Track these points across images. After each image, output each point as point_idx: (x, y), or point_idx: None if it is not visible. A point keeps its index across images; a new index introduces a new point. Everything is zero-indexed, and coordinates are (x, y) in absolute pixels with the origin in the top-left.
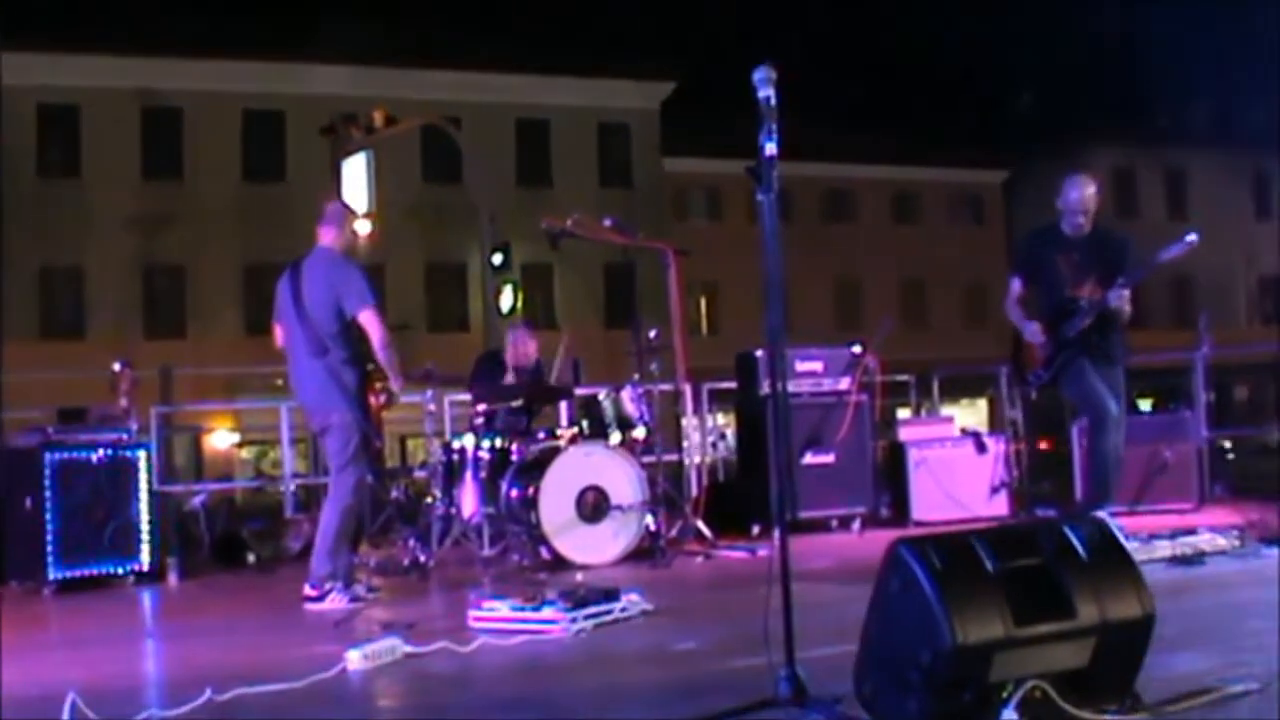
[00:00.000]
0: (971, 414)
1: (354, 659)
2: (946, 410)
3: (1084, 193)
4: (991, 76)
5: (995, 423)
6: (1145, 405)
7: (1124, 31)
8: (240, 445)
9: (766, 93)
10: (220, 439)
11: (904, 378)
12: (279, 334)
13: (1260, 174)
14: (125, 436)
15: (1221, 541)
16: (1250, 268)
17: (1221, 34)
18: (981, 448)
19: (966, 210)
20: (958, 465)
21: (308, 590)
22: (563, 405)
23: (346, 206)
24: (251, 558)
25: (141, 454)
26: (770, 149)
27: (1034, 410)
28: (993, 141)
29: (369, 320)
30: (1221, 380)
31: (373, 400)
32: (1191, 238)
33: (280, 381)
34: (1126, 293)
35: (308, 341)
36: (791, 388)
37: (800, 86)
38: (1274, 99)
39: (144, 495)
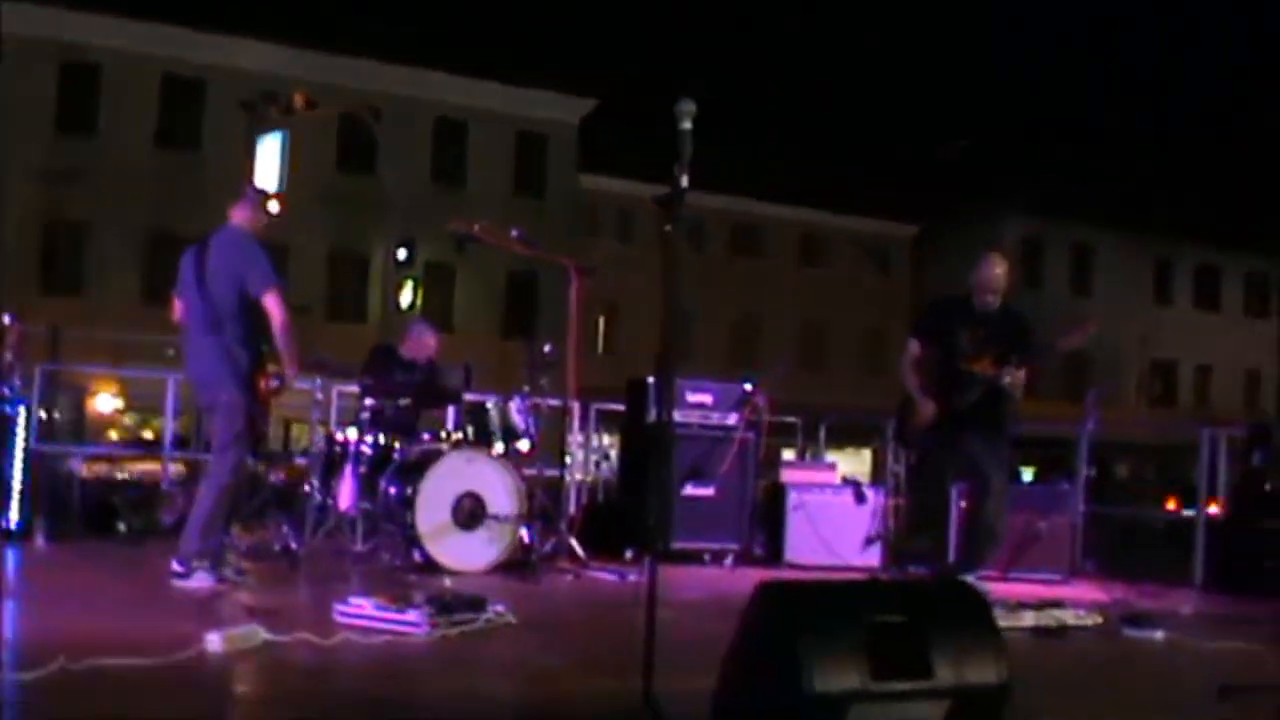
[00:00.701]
0: (856, 462)
1: (213, 641)
2: (831, 456)
3: (995, 272)
4: (914, 132)
5: (878, 474)
6: (1027, 474)
7: (1049, 105)
8: (123, 412)
9: (686, 125)
10: (104, 403)
11: (792, 419)
12: (178, 308)
13: (1163, 261)
14: (6, 392)
15: (1085, 617)
16: (1144, 350)
17: (1139, 123)
18: (861, 498)
19: (874, 260)
20: (835, 512)
21: (175, 567)
22: (450, 409)
23: (263, 192)
24: (122, 526)
25: (21, 410)
26: (683, 180)
27: (917, 467)
28: (907, 196)
29: (272, 303)
30: (1104, 456)
31: (263, 384)
32: (1091, 329)
33: (171, 353)
34: (1021, 374)
35: (205, 318)
36: (679, 418)
37: (720, 118)
38: (1180, 192)
39: (19, 453)
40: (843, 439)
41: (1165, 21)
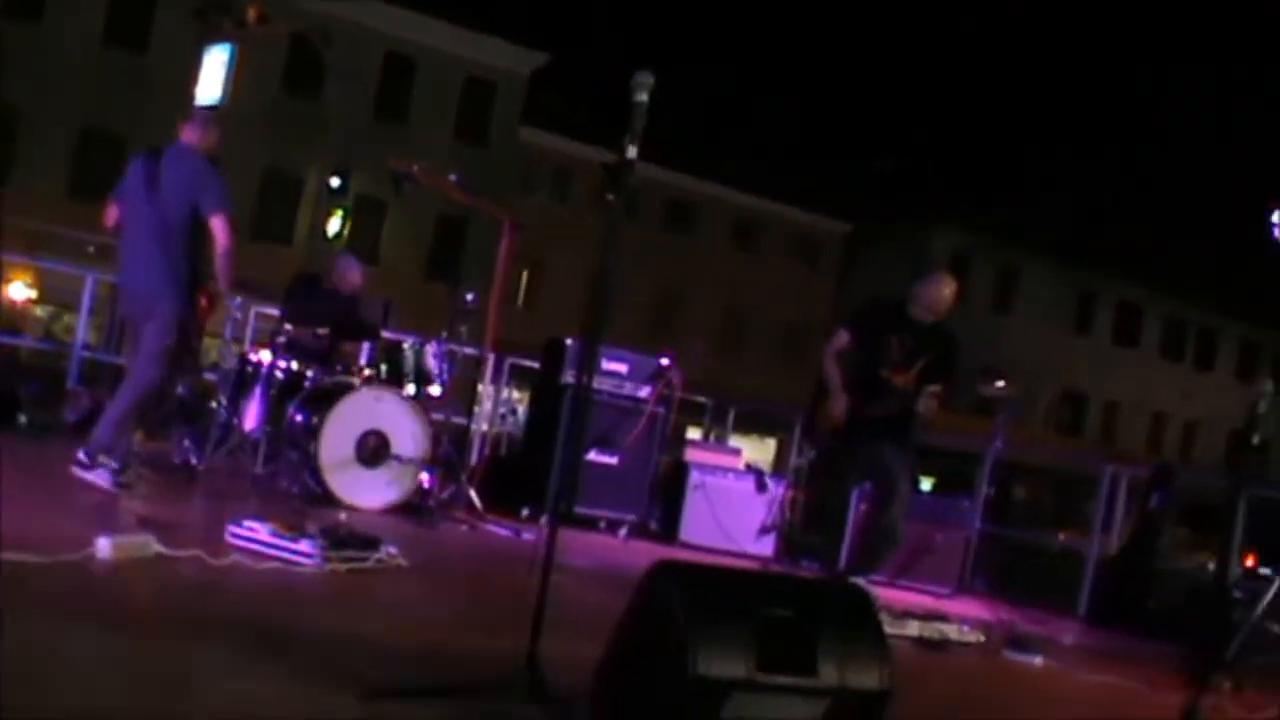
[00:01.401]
0: (760, 451)
1: (103, 547)
2: (737, 441)
3: (943, 293)
4: (860, 131)
5: (780, 466)
6: (927, 484)
7: (994, 126)
8: (36, 303)
9: (641, 98)
10: (18, 291)
11: (703, 400)
12: (112, 213)
13: (1086, 292)
14: None
15: (969, 633)
16: (1058, 378)
17: (1081, 156)
18: (761, 486)
19: (805, 252)
20: (735, 497)
21: (79, 456)
22: (366, 345)
23: (211, 113)
24: (23, 419)
25: None
26: (632, 152)
27: (819, 463)
28: (843, 195)
29: (220, 225)
30: (1005, 476)
31: (202, 301)
32: (1000, 384)
33: (92, 250)
34: (935, 403)
35: (152, 227)
36: (594, 384)
37: (668, 89)
38: (1111, 227)
39: None
40: (750, 426)
41: (1120, 61)
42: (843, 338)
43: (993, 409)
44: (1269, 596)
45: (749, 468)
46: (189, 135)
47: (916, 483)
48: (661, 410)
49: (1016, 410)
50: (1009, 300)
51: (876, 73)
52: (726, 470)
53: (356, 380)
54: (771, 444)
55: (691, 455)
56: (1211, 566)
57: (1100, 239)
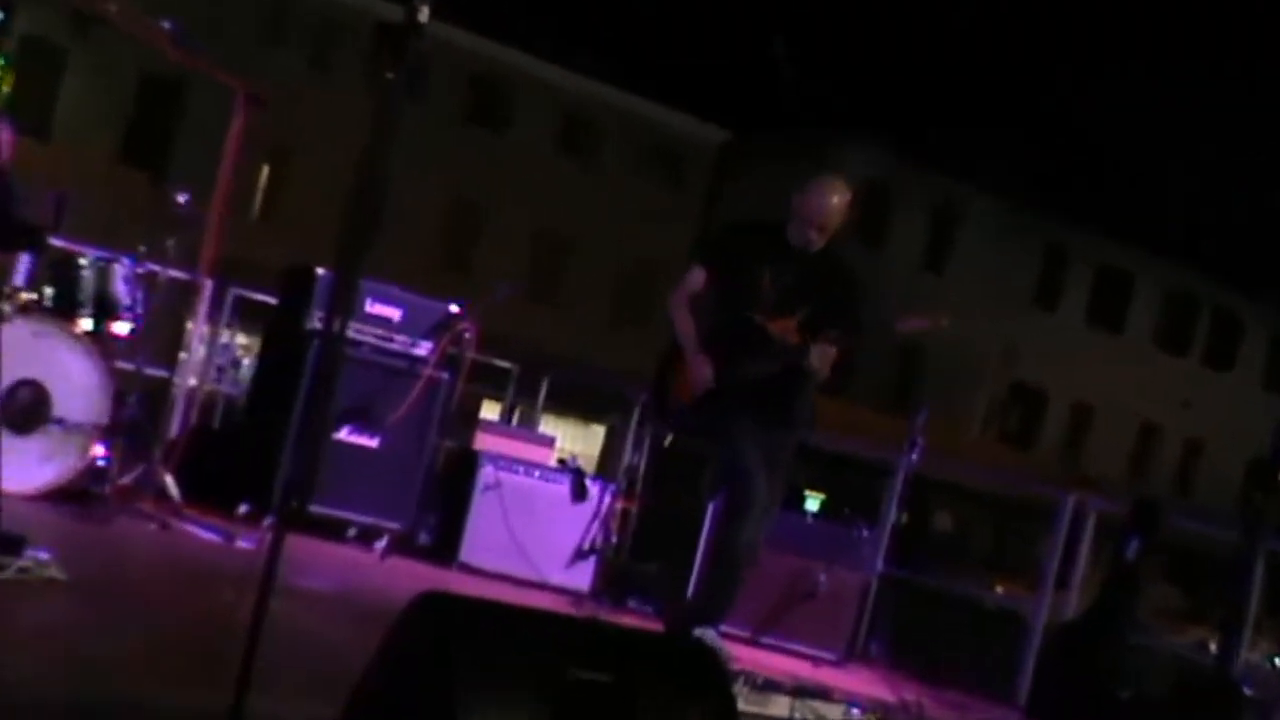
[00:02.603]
0: (583, 441)
1: None
2: (550, 425)
3: (830, 202)
4: (749, 17)
5: (608, 463)
6: (812, 503)
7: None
8: None
9: None
10: None
11: (506, 365)
12: None
13: (1054, 248)
14: None
15: (859, 718)
16: (1005, 365)
17: (1053, 53)
18: (580, 491)
19: (662, 166)
20: (542, 505)
21: None
22: (25, 255)
23: None
24: None
25: None
26: (423, 15)
27: (663, 461)
28: (722, 89)
29: None
30: (924, 498)
31: None
32: (943, 320)
33: None
34: (833, 353)
35: None
36: (352, 333)
37: None
38: (1090, 160)
39: None
40: (570, 405)
41: None
42: (697, 277)
43: (911, 405)
44: None
45: (564, 464)
46: None
47: (799, 497)
48: (445, 376)
49: (938, 409)
50: (944, 252)
51: None
52: (533, 466)
53: (6, 306)
54: (599, 432)
55: (485, 441)
56: (1212, 646)
57: (1078, 175)
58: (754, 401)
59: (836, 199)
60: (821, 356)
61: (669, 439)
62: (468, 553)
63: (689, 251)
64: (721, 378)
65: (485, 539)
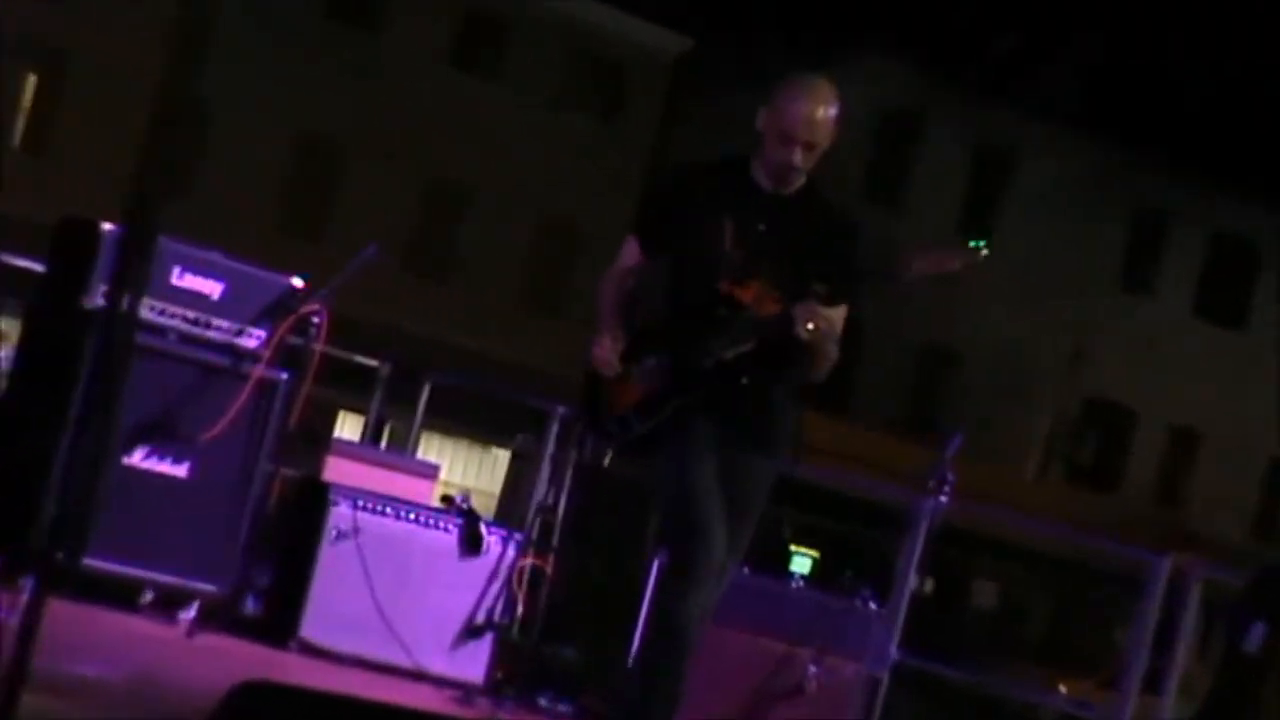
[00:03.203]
0: (479, 471)
1: None
2: (433, 448)
3: (813, 111)
4: None
5: (513, 504)
6: (801, 563)
7: None
8: None
9: None
10: None
11: (371, 362)
12: None
13: (1147, 212)
14: None
15: None
16: (1076, 374)
17: None
18: (474, 544)
19: (597, 83)
20: (419, 561)
21: None
22: None
23: None
24: None
25: None
26: None
27: (592, 499)
28: None
29: None
30: (957, 560)
31: None
32: (974, 257)
33: None
34: (835, 315)
35: None
36: (152, 314)
37: None
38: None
39: None
40: (463, 420)
41: None
42: (630, 251)
43: (939, 428)
44: None
45: (452, 503)
46: None
47: (782, 555)
48: (285, 376)
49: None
50: (988, 215)
51: None
52: (407, 506)
53: None
54: (501, 459)
55: (339, 471)
56: None
57: (1185, 106)
58: (717, 409)
59: (823, 110)
60: (811, 316)
61: (606, 460)
62: (311, 627)
63: (636, 212)
64: (675, 376)
65: (337, 608)
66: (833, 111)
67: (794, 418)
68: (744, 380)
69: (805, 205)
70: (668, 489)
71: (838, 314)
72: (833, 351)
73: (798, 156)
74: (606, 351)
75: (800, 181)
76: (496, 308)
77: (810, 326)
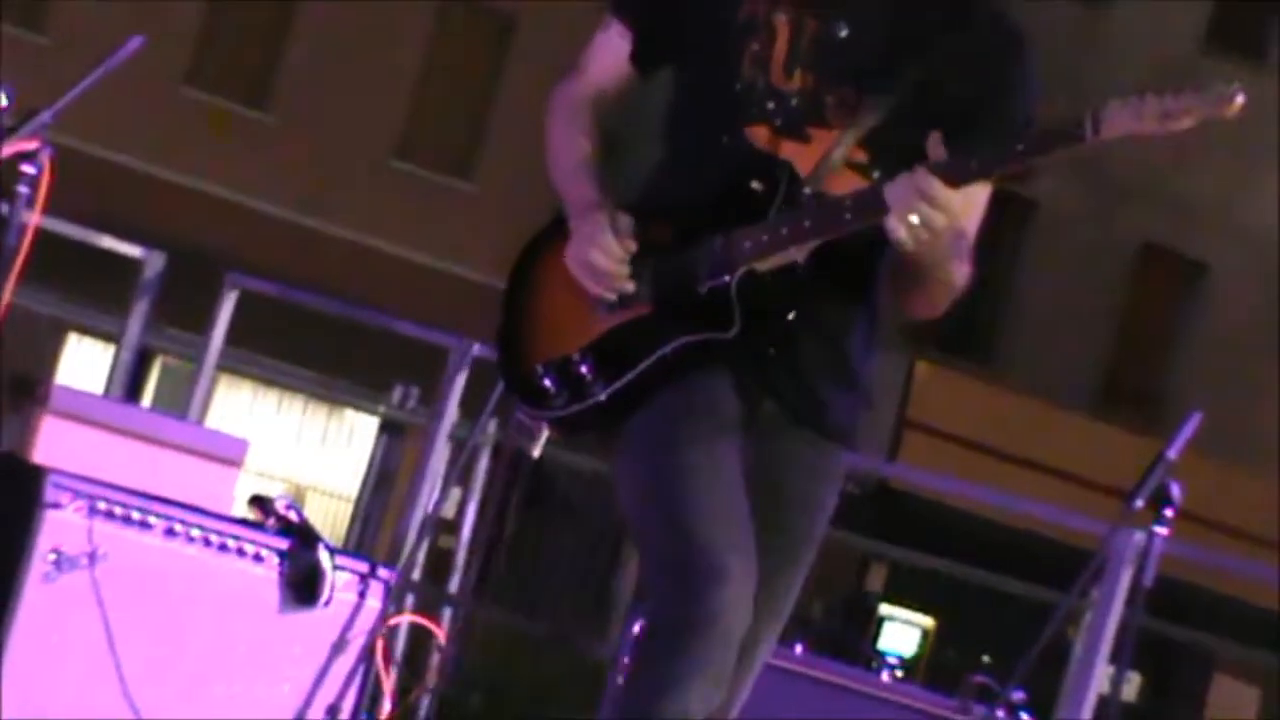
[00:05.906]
0: (325, 453)
1: None
2: (239, 406)
3: None
4: None
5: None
6: (903, 635)
7: None
8: None
9: None
10: None
11: (132, 250)
12: None
13: None
14: None
15: None
16: None
17: None
18: (307, 585)
19: None
20: (207, 612)
21: None
22: None
23: None
24: None
25: None
26: None
27: (530, 507)
28: None
29: None
30: (1189, 644)
31: None
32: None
33: None
34: (969, 203)
35: None
36: None
37: None
38: None
39: None
40: (297, 360)
41: None
42: (605, 50)
43: (1153, 408)
44: None
45: (266, 510)
46: None
47: (867, 618)
48: None
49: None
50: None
51: None
52: (184, 516)
53: None
54: (364, 432)
55: (63, 442)
56: None
57: None
58: (746, 363)
59: None
60: (922, 200)
61: (534, 447)
62: (10, 705)
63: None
64: (660, 293)
65: (53, 695)
66: None
67: (878, 382)
68: (791, 314)
69: None
70: (652, 503)
71: (974, 200)
72: (958, 271)
73: None
74: (610, 248)
75: None
76: (354, 161)
77: (916, 220)
